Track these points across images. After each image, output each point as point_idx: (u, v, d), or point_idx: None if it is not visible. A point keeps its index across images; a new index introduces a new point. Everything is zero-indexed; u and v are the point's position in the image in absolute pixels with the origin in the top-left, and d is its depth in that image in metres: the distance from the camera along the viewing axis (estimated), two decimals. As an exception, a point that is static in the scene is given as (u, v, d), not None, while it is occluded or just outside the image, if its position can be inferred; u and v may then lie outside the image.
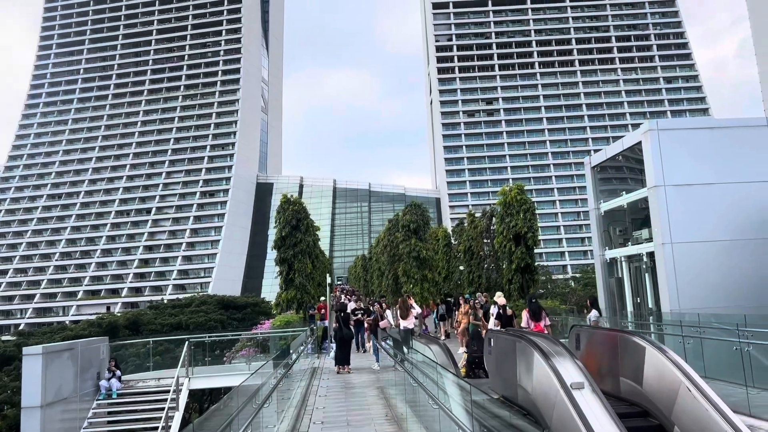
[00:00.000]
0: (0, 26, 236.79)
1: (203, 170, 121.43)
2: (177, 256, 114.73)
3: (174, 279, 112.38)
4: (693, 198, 21.41)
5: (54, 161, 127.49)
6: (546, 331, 14.35)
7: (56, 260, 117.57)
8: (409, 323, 19.71)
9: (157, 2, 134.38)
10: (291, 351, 14.97)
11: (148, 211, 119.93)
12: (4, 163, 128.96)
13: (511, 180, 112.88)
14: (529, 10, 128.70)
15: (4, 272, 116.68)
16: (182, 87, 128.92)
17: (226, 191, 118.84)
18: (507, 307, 16.11)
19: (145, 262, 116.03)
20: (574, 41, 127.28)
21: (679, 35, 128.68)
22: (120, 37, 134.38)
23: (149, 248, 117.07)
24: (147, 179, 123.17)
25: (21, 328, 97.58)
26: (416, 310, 21.07)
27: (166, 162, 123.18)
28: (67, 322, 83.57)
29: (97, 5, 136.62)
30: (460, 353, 16.39)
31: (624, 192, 25.88)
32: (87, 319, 59.32)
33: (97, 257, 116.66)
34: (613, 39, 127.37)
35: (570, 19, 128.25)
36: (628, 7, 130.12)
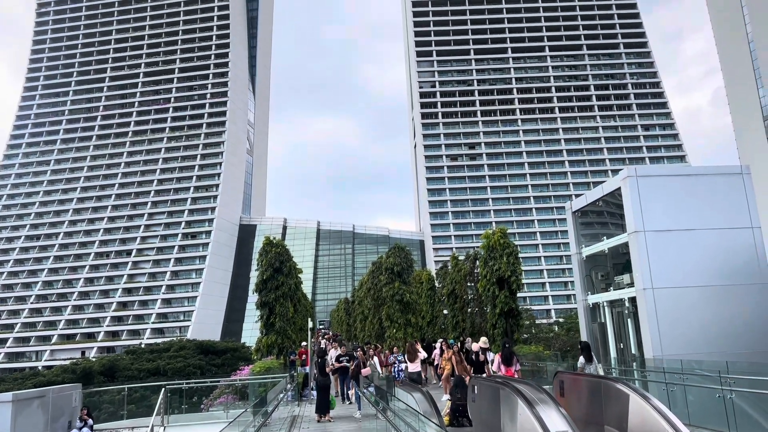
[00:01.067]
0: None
1: (186, 212, 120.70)
2: (156, 299, 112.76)
3: (153, 323, 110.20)
4: (673, 243, 21.73)
5: (34, 201, 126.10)
6: (516, 376, 14.40)
7: (31, 303, 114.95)
8: (416, 367, 20.10)
9: (145, 46, 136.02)
10: (270, 398, 14.63)
11: (129, 253, 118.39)
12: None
13: (494, 223, 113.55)
14: (510, 59, 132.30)
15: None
16: (167, 129, 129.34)
17: (208, 233, 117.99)
18: (480, 352, 16.10)
19: (123, 305, 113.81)
20: (553, 89, 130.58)
21: (655, 85, 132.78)
22: (107, 79, 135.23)
23: (128, 291, 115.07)
24: (128, 220, 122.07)
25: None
26: (422, 354, 21.67)
27: (149, 203, 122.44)
28: (40, 368, 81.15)
29: (85, 48, 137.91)
30: (444, 400, 16.14)
31: (605, 237, 26.15)
32: (61, 364, 57.69)
33: (74, 300, 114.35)
34: (592, 87, 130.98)
35: (549, 67, 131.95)
36: (606, 57, 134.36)
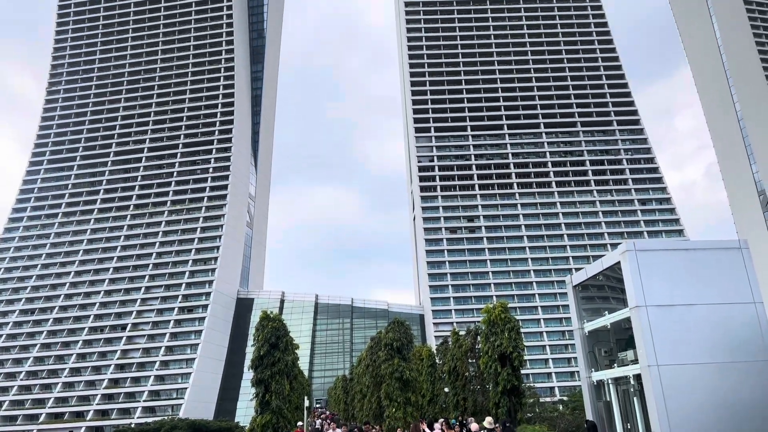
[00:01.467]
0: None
1: (183, 285, 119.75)
2: (150, 376, 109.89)
3: (144, 400, 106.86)
4: (676, 319, 21.44)
5: (31, 275, 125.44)
6: None
7: (21, 379, 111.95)
8: None
9: (150, 122, 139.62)
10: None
11: (123, 327, 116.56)
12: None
13: (494, 297, 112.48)
14: (506, 135, 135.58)
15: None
16: (169, 202, 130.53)
17: (205, 307, 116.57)
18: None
19: (115, 382, 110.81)
20: (550, 164, 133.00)
21: (650, 160, 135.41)
22: (111, 154, 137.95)
23: (121, 367, 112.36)
24: (125, 294, 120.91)
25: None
26: None
27: (146, 277, 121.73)
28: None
29: (92, 125, 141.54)
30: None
31: (606, 312, 25.83)
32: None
33: (65, 377, 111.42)
34: (587, 162, 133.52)
35: (545, 143, 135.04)
36: (600, 133, 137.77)
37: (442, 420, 23.07)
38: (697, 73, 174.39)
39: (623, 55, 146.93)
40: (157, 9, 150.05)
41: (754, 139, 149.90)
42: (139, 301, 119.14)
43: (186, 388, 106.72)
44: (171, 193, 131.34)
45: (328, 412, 65.92)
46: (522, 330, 29.01)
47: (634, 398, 21.84)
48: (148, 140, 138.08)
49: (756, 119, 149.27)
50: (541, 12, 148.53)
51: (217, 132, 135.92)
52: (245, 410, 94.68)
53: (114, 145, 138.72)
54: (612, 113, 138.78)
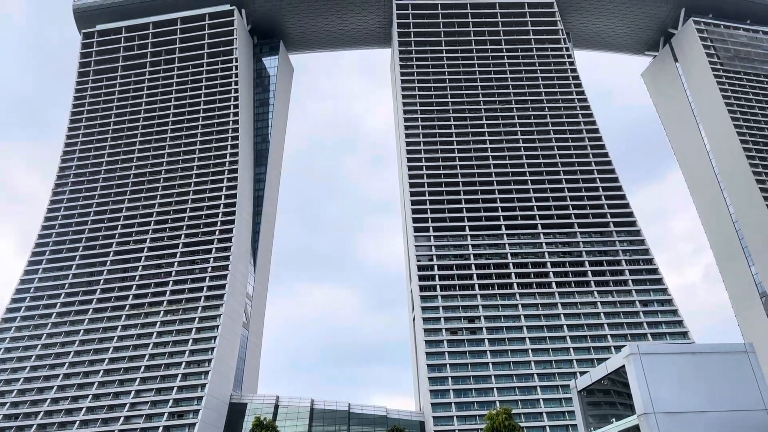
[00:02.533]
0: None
1: (175, 389, 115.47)
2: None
3: None
4: (685, 426, 20.37)
5: (19, 378, 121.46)
6: None
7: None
8: None
9: (152, 222, 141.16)
10: None
11: (106, 426, 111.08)
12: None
13: (497, 402, 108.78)
14: (504, 236, 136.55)
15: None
16: (165, 302, 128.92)
17: (196, 412, 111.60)
18: None
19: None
20: (549, 264, 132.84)
21: (648, 261, 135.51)
22: (111, 253, 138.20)
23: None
24: (114, 398, 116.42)
25: None
26: None
27: (137, 380, 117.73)
28: None
29: (94, 225, 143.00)
30: None
31: (614, 419, 24.65)
32: None
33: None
34: (587, 263, 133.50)
35: (543, 244, 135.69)
36: (597, 235, 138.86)
37: None
38: (689, 177, 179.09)
39: (616, 159, 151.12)
40: (167, 112, 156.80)
41: (750, 241, 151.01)
42: (128, 405, 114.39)
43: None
44: (168, 293, 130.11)
45: None
46: (526, 438, 27.70)
47: None
48: (149, 240, 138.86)
49: (751, 222, 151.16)
50: (534, 119, 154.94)
51: (217, 232, 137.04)
52: None
53: (114, 244, 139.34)
54: (608, 215, 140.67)
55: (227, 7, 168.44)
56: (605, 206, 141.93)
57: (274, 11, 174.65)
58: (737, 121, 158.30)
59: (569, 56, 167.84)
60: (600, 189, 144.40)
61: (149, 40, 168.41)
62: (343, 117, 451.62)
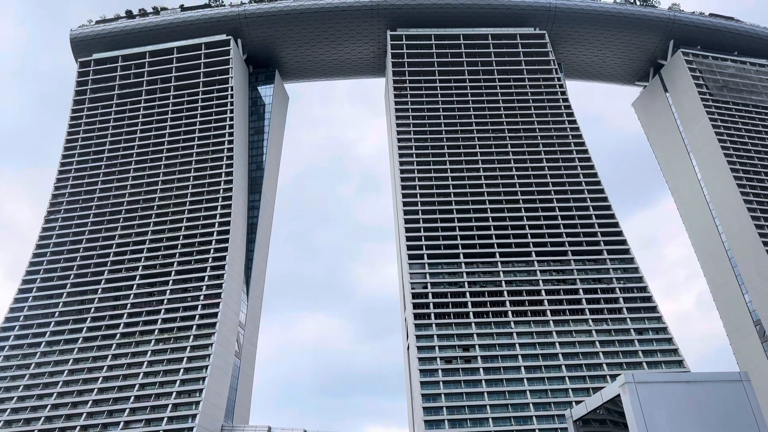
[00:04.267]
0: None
1: (165, 419, 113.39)
2: None
3: None
4: (684, 457, 20.01)
5: (5, 408, 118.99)
6: None
7: None
8: None
9: (145, 250, 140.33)
10: None
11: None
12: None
13: (493, 431, 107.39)
14: (499, 263, 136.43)
15: None
16: (156, 331, 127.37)
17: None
18: None
19: None
20: (543, 292, 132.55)
21: (642, 289, 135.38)
22: (103, 281, 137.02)
23: None
24: (103, 429, 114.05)
25: None
26: None
27: (126, 410, 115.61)
28: None
29: (86, 252, 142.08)
30: None
31: (610, 450, 24.20)
32: None
33: None
34: (581, 291, 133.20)
35: (537, 271, 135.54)
36: (591, 262, 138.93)
37: None
38: (681, 205, 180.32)
39: (608, 185, 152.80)
40: (162, 140, 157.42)
41: (743, 269, 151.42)
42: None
43: None
44: (160, 321, 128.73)
45: None
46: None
47: None
48: (141, 267, 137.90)
49: (743, 250, 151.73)
50: (527, 148, 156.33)
51: (210, 260, 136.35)
52: None
53: (106, 272, 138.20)
54: (602, 243, 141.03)
55: (223, 37, 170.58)
56: (599, 234, 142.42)
57: (270, 41, 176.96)
58: (727, 151, 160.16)
59: (561, 86, 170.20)
60: (593, 217, 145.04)
61: (145, 69, 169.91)
62: (336, 144, 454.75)
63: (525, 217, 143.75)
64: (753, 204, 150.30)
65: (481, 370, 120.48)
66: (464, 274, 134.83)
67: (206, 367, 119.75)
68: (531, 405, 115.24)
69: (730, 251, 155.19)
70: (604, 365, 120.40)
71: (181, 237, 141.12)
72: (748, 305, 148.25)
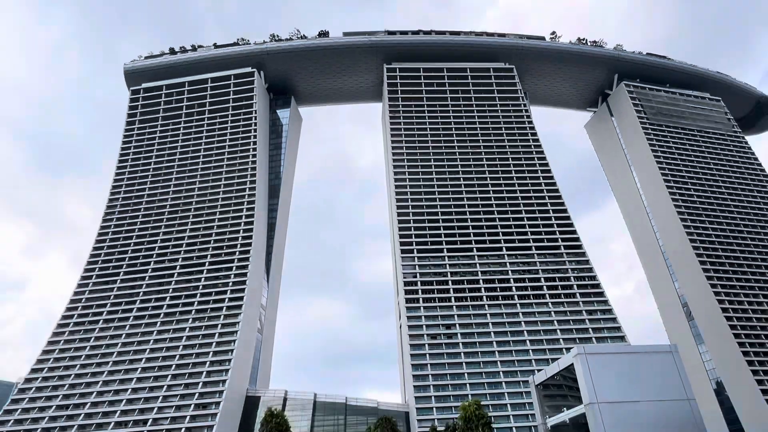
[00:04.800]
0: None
1: (200, 384, 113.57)
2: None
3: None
4: (625, 414, 20.72)
5: (70, 374, 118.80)
6: None
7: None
8: None
9: (184, 245, 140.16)
10: None
11: (145, 422, 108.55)
12: None
13: (470, 395, 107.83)
14: (476, 256, 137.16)
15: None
16: (193, 311, 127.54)
17: (218, 404, 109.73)
18: None
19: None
20: (512, 280, 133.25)
21: (592, 278, 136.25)
22: (149, 270, 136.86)
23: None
24: (150, 392, 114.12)
25: None
26: None
27: (169, 376, 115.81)
28: None
29: (136, 246, 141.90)
30: None
31: (565, 408, 24.89)
32: None
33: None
34: (542, 279, 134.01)
35: (507, 263, 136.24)
36: (550, 255, 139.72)
37: None
38: (624, 209, 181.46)
39: (564, 192, 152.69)
40: (197, 154, 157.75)
41: (674, 261, 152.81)
42: (161, 398, 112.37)
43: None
44: (196, 303, 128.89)
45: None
46: (494, 425, 27.70)
47: (595, 488, 20.62)
48: (180, 258, 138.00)
49: (673, 247, 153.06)
50: (499, 161, 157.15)
51: (238, 253, 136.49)
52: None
53: (152, 263, 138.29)
54: (559, 239, 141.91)
55: (249, 69, 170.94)
56: (557, 233, 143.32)
57: (287, 73, 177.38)
58: (661, 164, 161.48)
59: (527, 111, 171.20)
60: (552, 219, 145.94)
61: (185, 95, 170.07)
62: (339, 157, 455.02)
63: (497, 219, 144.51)
64: (682, 209, 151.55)
65: (460, 344, 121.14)
66: (447, 266, 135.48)
67: (234, 341, 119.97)
68: (501, 373, 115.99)
69: (663, 247, 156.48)
70: (561, 340, 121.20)
71: (213, 234, 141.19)
72: (677, 291, 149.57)
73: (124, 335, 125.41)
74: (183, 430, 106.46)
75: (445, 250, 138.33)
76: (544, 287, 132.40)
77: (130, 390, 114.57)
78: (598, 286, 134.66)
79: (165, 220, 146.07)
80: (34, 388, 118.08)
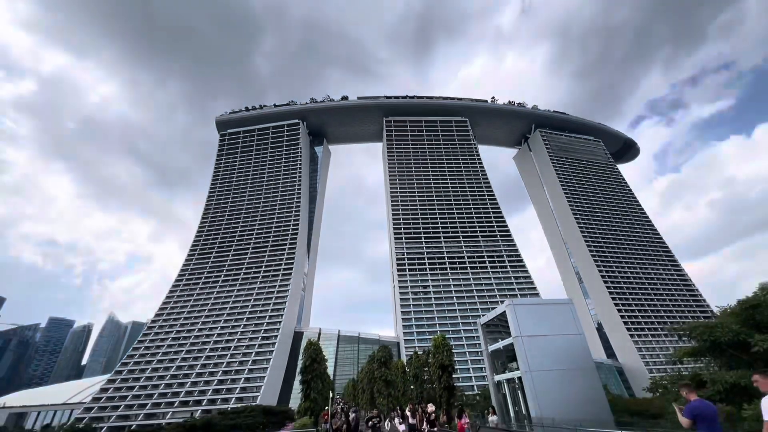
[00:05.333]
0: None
1: (265, 323, 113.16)
2: (241, 378, 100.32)
3: (237, 394, 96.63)
4: (538, 343, 20.65)
5: (180, 316, 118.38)
6: (466, 427, 12.58)
7: (167, 380, 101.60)
8: (413, 421, 16.98)
9: (254, 234, 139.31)
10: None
11: (229, 348, 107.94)
12: None
13: (438, 332, 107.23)
14: (442, 240, 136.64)
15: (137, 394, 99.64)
16: (260, 276, 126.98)
17: (276, 336, 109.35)
18: (432, 413, 14.28)
19: (221, 382, 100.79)
20: (466, 257, 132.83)
21: (518, 256, 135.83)
22: (232, 250, 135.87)
23: (225, 372, 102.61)
24: (234, 327, 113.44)
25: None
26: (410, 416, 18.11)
27: (245, 318, 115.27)
28: (163, 424, 68.99)
29: (223, 237, 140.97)
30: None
31: (500, 339, 24.74)
32: (176, 422, 49.30)
33: (194, 378, 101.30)
34: (485, 256, 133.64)
35: (462, 245, 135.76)
36: (491, 240, 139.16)
37: (409, 405, 21.15)
38: (539, 213, 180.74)
39: (501, 202, 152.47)
40: (262, 178, 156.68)
41: (570, 245, 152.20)
42: (239, 332, 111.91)
43: (261, 386, 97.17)
44: (262, 271, 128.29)
45: (342, 402, 59.89)
46: (454, 351, 27.51)
47: (518, 392, 20.43)
48: (252, 242, 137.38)
49: (572, 238, 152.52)
50: (458, 181, 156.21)
51: (289, 239, 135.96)
52: (295, 400, 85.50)
53: (233, 245, 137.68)
54: (496, 230, 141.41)
55: (296, 120, 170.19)
56: (494, 226, 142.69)
57: (321, 123, 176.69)
58: (563, 183, 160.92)
59: (476, 148, 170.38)
60: (492, 217, 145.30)
61: (254, 138, 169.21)
62: (354, 178, 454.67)
63: (456, 217, 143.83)
64: (576, 213, 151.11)
65: (432, 299, 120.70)
66: (424, 247, 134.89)
67: (287, 295, 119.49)
68: (459, 317, 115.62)
69: (563, 236, 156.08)
70: (497, 296, 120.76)
71: (273, 227, 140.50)
72: (572, 264, 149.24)
73: (215, 292, 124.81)
74: (254, 353, 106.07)
75: (422, 237, 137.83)
76: (486, 261, 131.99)
77: (219, 328, 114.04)
78: (521, 260, 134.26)
79: (242, 218, 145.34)
80: (157, 327, 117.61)
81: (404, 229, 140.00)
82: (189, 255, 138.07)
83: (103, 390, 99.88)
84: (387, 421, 21.18)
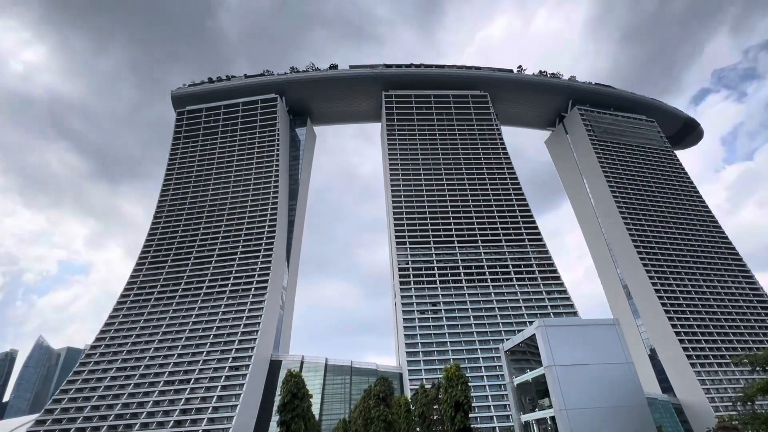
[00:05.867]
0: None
1: (234, 350, 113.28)
2: (203, 419, 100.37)
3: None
4: (576, 374, 20.67)
5: (127, 342, 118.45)
6: None
7: (121, 400, 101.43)
8: None
9: (219, 237, 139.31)
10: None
11: (188, 381, 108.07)
12: None
13: (451, 360, 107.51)
14: (456, 247, 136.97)
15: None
16: (228, 291, 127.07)
17: (247, 366, 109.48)
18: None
19: (178, 423, 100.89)
20: (486, 267, 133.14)
21: (550, 264, 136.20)
22: (192, 257, 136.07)
23: (183, 411, 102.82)
24: (192, 356, 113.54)
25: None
26: None
27: (208, 343, 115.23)
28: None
29: (181, 239, 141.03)
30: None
31: (528, 369, 24.78)
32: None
33: (149, 408, 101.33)
34: (510, 265, 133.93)
35: (482, 252, 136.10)
36: (517, 246, 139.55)
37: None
38: (577, 210, 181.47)
39: (528, 196, 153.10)
40: (230, 165, 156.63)
41: (616, 252, 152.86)
42: (201, 361, 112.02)
43: (229, 429, 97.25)
44: (230, 285, 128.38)
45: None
46: (470, 384, 27.58)
47: (551, 435, 20.56)
48: (217, 249, 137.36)
49: (616, 240, 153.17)
50: (475, 170, 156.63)
51: (263, 244, 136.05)
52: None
53: (194, 251, 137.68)
54: (523, 233, 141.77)
55: (272, 95, 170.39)
56: (522, 227, 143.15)
57: (304, 98, 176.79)
58: (606, 174, 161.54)
59: (498, 130, 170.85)
60: (518, 216, 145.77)
61: (221, 116, 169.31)
62: (345, 166, 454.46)
63: (474, 217, 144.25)
64: (623, 209, 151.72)
65: (444, 319, 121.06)
66: (433, 255, 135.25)
67: (261, 315, 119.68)
68: (477, 342, 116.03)
69: (607, 239, 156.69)
70: (524, 315, 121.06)
71: (244, 229, 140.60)
72: (619, 275, 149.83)
73: (171, 311, 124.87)
74: (219, 387, 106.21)
75: (431, 242, 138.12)
76: (512, 272, 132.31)
77: (176, 355, 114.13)
78: (555, 271, 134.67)
79: (204, 217, 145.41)
80: (98, 354, 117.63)
81: (408, 231, 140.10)
82: (138, 264, 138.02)
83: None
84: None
